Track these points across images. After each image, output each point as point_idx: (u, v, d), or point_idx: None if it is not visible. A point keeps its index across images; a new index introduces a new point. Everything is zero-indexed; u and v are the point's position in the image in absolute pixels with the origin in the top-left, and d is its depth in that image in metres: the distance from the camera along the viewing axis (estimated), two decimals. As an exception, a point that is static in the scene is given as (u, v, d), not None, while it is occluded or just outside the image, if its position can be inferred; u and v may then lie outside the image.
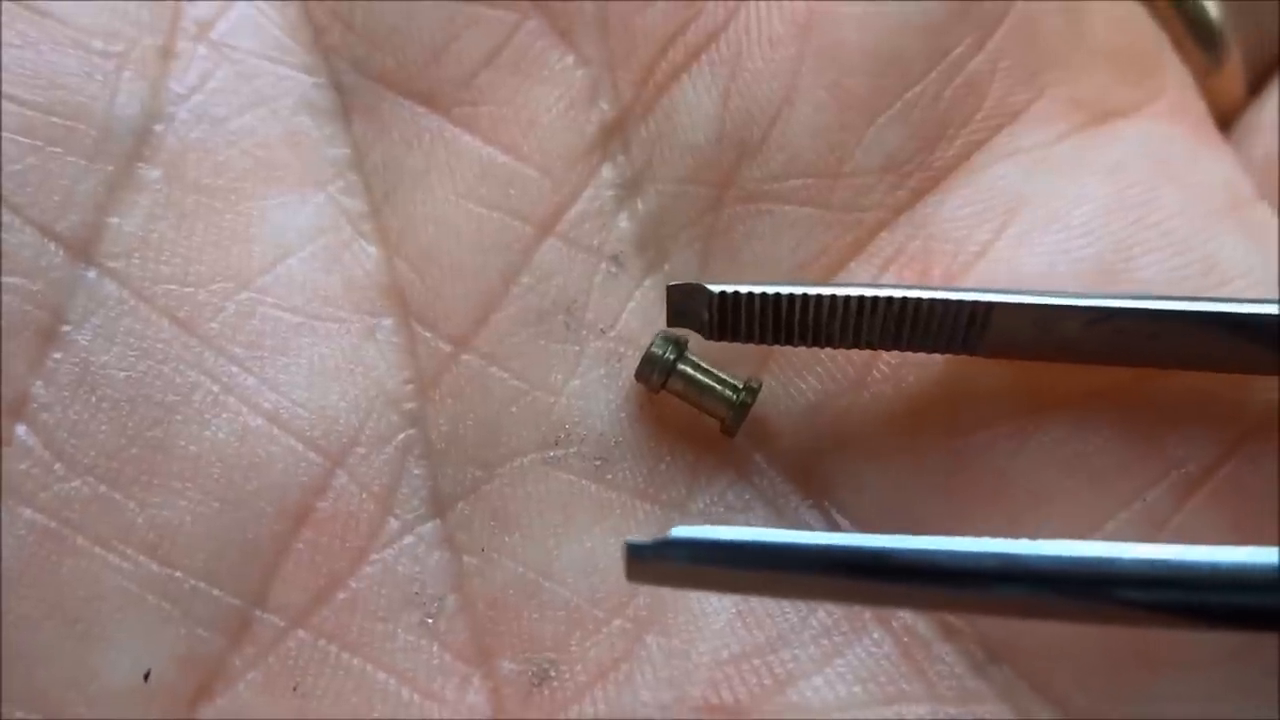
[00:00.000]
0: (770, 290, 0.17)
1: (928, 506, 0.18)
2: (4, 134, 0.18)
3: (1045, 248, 0.19)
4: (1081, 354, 0.17)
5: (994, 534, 0.17)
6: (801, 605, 0.18)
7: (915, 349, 0.18)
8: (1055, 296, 0.17)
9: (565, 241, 0.19)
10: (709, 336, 0.18)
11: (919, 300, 0.17)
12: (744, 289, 0.17)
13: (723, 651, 0.17)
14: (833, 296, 0.17)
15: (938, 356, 0.18)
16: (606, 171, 0.19)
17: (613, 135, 0.19)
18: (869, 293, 0.17)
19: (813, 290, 0.17)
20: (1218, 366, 0.17)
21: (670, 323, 0.18)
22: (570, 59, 0.19)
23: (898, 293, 0.17)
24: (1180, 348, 0.17)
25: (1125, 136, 0.19)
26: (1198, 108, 0.21)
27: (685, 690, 0.17)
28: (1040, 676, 0.17)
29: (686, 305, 0.18)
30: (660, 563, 0.15)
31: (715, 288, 0.17)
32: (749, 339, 0.18)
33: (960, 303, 0.17)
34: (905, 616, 0.18)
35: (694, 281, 0.17)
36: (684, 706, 0.17)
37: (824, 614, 0.18)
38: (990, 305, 0.17)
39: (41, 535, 0.17)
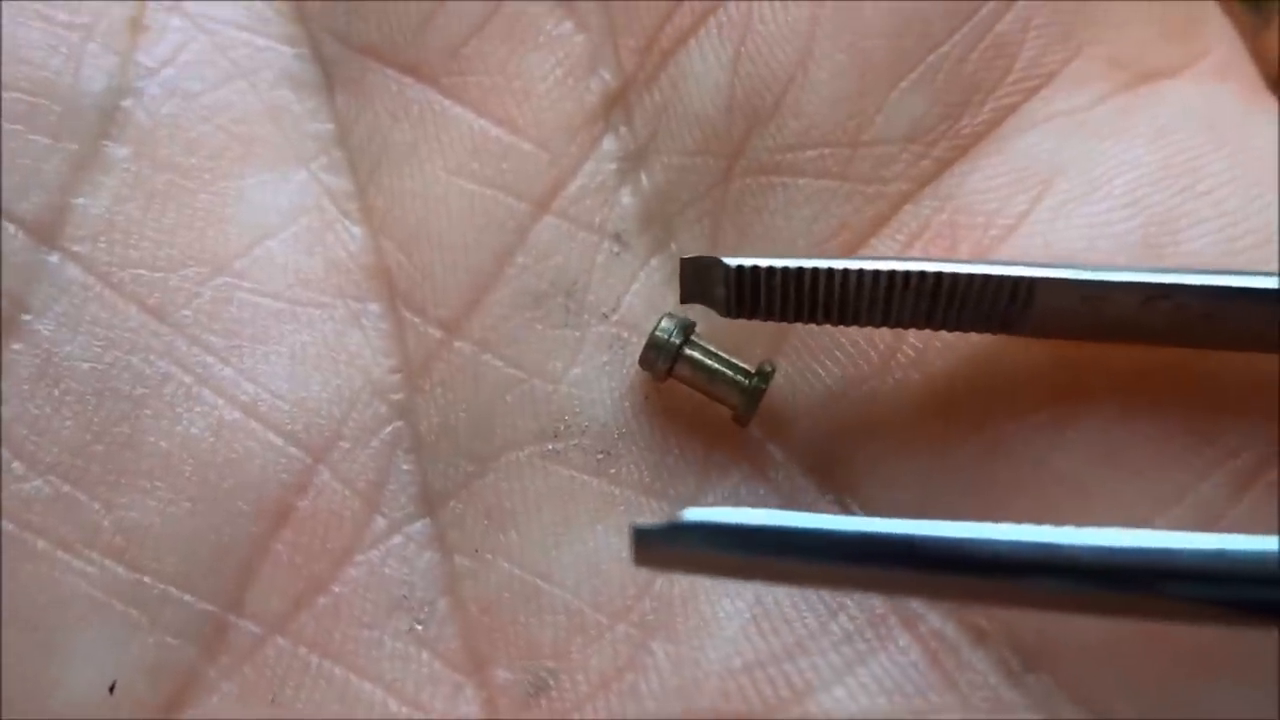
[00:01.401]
0: (792, 264, 0.16)
1: (957, 502, 0.17)
2: (-38, 111, 0.17)
3: (1084, 220, 0.17)
4: (1134, 334, 0.16)
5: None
6: (822, 609, 0.17)
7: (950, 328, 0.17)
8: (1106, 271, 0.16)
9: (564, 219, 0.18)
10: (725, 314, 0.17)
11: (955, 275, 0.16)
12: (763, 262, 0.16)
13: (735, 660, 0.16)
14: (860, 271, 0.16)
15: (968, 337, 0.17)
16: (608, 144, 0.19)
17: (614, 105, 0.19)
18: (900, 266, 0.16)
19: (838, 264, 0.16)
20: None
21: (683, 299, 0.17)
22: (568, 25, 0.19)
23: (931, 267, 0.16)
24: (1242, 328, 0.16)
25: (1169, 98, 0.18)
26: (1246, 68, 0.20)
27: (694, 701, 0.16)
28: (1081, 686, 0.16)
29: (701, 280, 0.17)
30: (670, 548, 0.14)
31: (732, 261, 0.16)
32: (768, 316, 0.17)
33: (1001, 278, 0.16)
34: (934, 622, 0.16)
35: (709, 255, 0.17)
36: (694, 719, 0.16)
37: (846, 619, 0.17)
38: (1034, 280, 0.16)
39: None
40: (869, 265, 0.16)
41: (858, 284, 0.16)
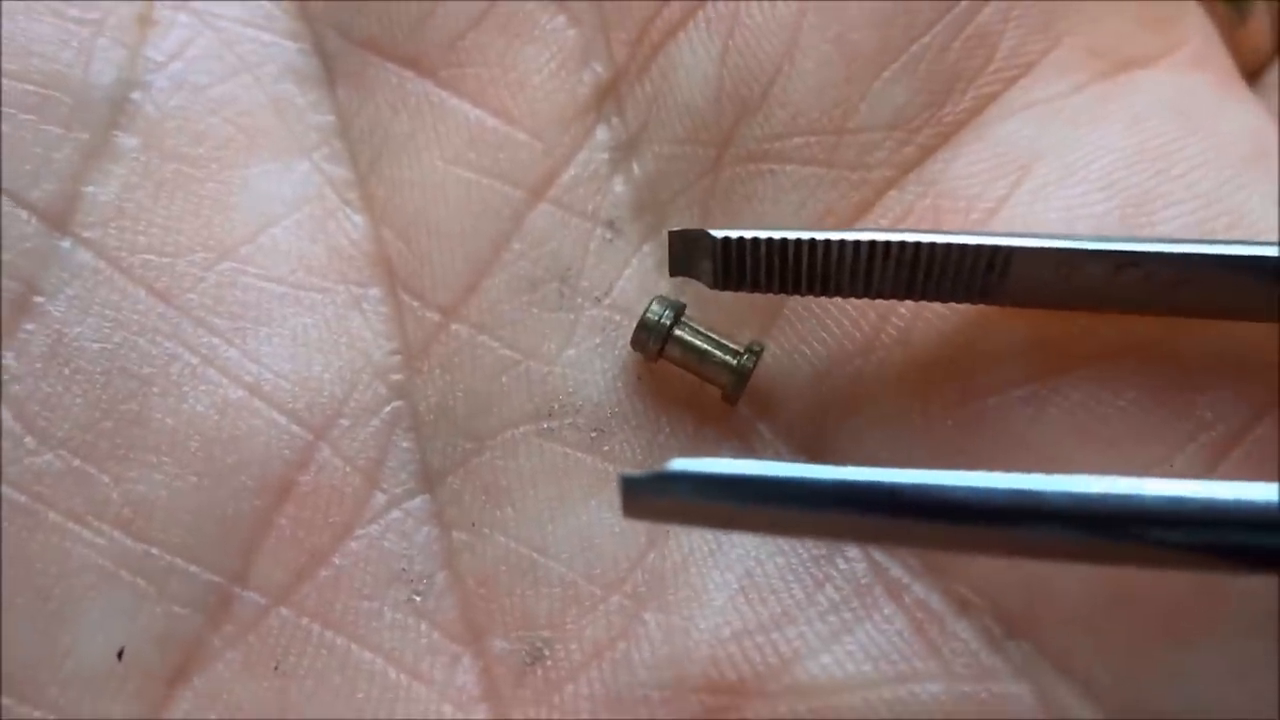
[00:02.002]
0: (777, 235, 0.16)
1: (941, 476, 0.17)
2: (-23, 102, 0.18)
3: (1063, 203, 0.18)
4: (1107, 302, 0.17)
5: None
6: (808, 579, 0.17)
7: (930, 298, 0.17)
8: (1080, 240, 0.16)
9: (558, 207, 0.19)
10: (712, 285, 0.17)
11: (934, 245, 0.16)
12: (749, 234, 0.17)
13: (724, 629, 0.17)
14: (842, 242, 0.16)
15: (949, 313, 0.17)
16: (600, 134, 0.19)
17: (606, 97, 0.19)
18: (881, 237, 0.16)
19: (821, 235, 0.16)
20: (1250, 315, 0.16)
21: (672, 271, 0.17)
22: (561, 19, 0.19)
23: (911, 238, 0.16)
24: (1211, 295, 0.16)
25: (1145, 86, 0.19)
26: (1222, 59, 0.20)
27: (685, 669, 0.17)
28: (1061, 652, 0.16)
29: (689, 253, 0.17)
30: (657, 497, 0.14)
31: (719, 234, 0.17)
32: (754, 288, 0.17)
33: (979, 247, 0.16)
34: (918, 592, 0.17)
35: (697, 228, 0.17)
36: (684, 686, 0.16)
37: (832, 590, 0.17)
38: (1011, 250, 0.16)
39: (11, 510, 0.17)
40: (851, 236, 0.16)
41: (839, 255, 0.16)
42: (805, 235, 0.16)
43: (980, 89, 0.18)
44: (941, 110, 0.18)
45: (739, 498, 0.14)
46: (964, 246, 0.16)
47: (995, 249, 0.16)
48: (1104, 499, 0.14)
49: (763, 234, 0.16)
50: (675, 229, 0.17)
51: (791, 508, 0.14)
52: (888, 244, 0.16)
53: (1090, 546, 0.14)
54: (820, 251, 0.16)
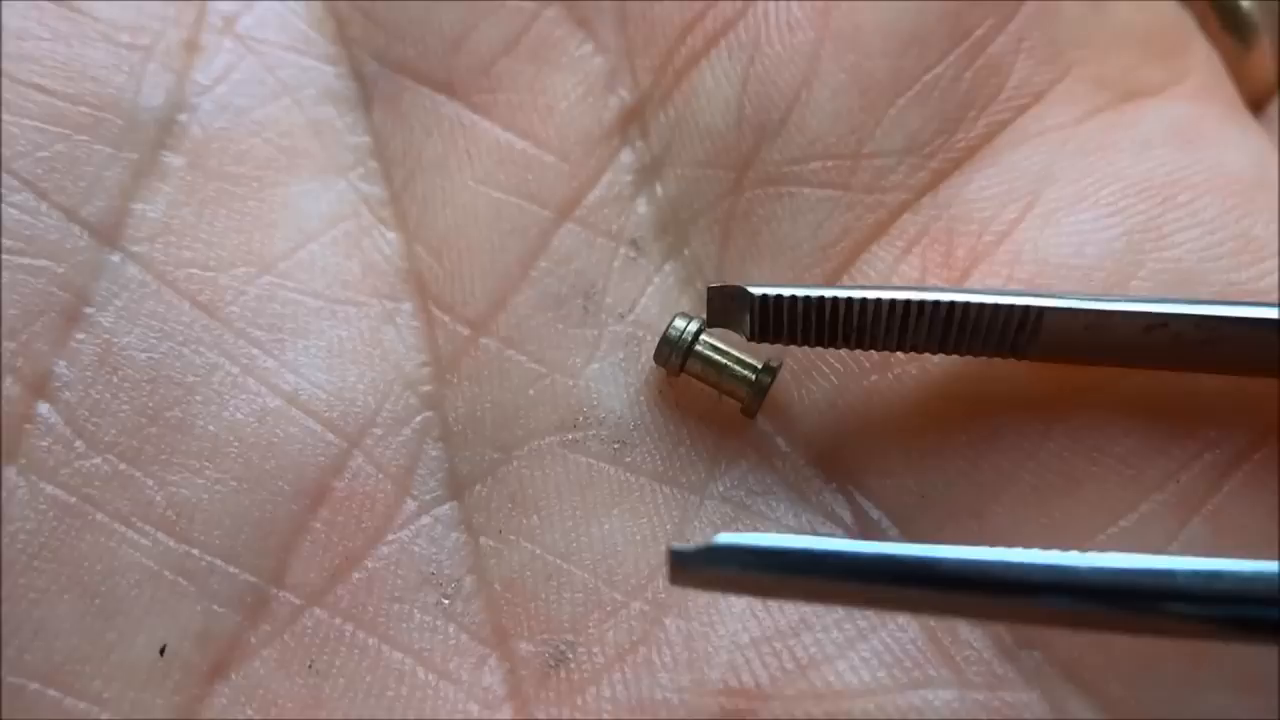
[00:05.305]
0: (814, 293, 0.17)
1: (954, 491, 0.18)
2: (34, 122, 0.18)
3: (1072, 228, 0.18)
4: (1135, 358, 0.17)
5: (1021, 519, 0.17)
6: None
7: (962, 353, 0.17)
8: (1110, 301, 0.17)
9: (584, 226, 0.19)
10: (749, 338, 0.17)
11: (967, 304, 0.17)
12: (786, 291, 0.17)
13: (743, 635, 0.17)
14: (878, 300, 0.17)
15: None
16: (625, 156, 0.19)
17: (631, 121, 0.19)
18: (915, 296, 0.17)
19: (857, 294, 0.17)
20: (1278, 373, 0.16)
21: (711, 323, 0.18)
22: (589, 47, 0.20)
23: (945, 296, 0.17)
24: (1239, 354, 0.16)
25: (1152, 115, 0.19)
26: (1226, 90, 0.21)
27: (705, 673, 0.17)
28: (1073, 663, 0.17)
29: (727, 307, 0.17)
30: (704, 569, 0.15)
31: (757, 290, 0.17)
32: (791, 341, 0.17)
33: (1010, 307, 0.16)
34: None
35: (736, 284, 0.17)
36: (703, 690, 0.17)
37: (847, 598, 0.17)
38: (1041, 310, 0.16)
39: (62, 511, 0.17)
40: (886, 295, 0.17)
41: (875, 313, 0.17)
42: (842, 293, 0.17)
43: (992, 117, 0.19)
44: (954, 137, 0.19)
45: (783, 570, 0.15)
46: (996, 306, 0.16)
47: (1026, 309, 0.16)
48: (1131, 574, 0.14)
49: (800, 291, 0.17)
50: (714, 285, 0.17)
51: (835, 580, 0.15)
52: (922, 303, 0.17)
53: (1119, 619, 0.15)
54: (856, 309, 0.17)
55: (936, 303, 0.17)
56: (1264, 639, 0.15)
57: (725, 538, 0.15)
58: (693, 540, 0.16)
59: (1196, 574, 0.14)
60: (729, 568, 0.15)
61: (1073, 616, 0.15)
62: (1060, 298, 0.17)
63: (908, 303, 0.17)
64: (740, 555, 0.15)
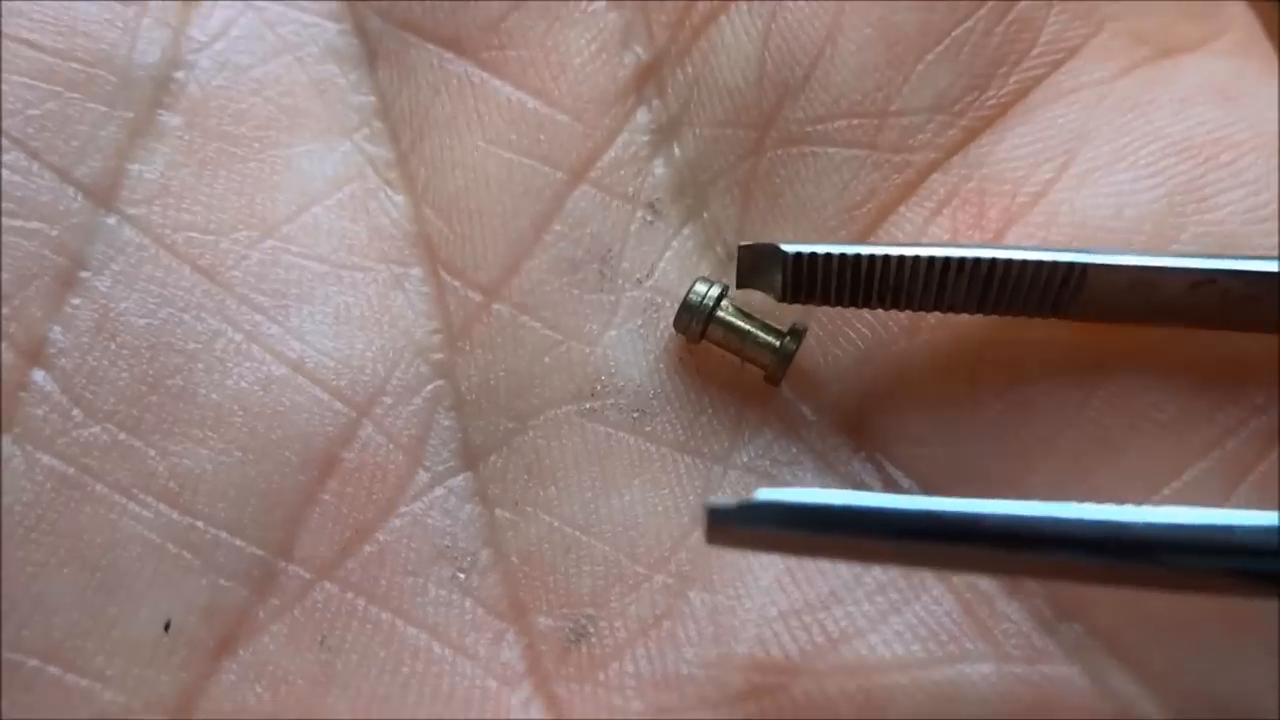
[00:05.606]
0: (849, 251, 0.16)
1: (988, 461, 0.17)
2: (24, 79, 0.18)
3: (1110, 189, 0.18)
4: (1180, 317, 0.16)
5: (1060, 490, 0.16)
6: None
7: (1002, 312, 0.17)
8: (1154, 257, 0.16)
9: (599, 188, 0.19)
10: (780, 299, 0.17)
11: (1008, 261, 0.16)
12: (820, 249, 0.16)
13: (771, 608, 0.17)
14: (915, 257, 0.16)
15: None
16: (641, 116, 0.19)
17: (647, 79, 0.19)
18: (954, 253, 0.16)
19: (894, 251, 0.16)
20: None
21: (740, 284, 0.17)
22: (602, 2, 0.19)
23: (985, 253, 0.16)
24: None
25: (1190, 71, 0.19)
26: (1263, 46, 0.20)
27: (731, 648, 0.16)
28: (1114, 636, 0.16)
29: (758, 267, 0.17)
30: (741, 526, 0.14)
31: (790, 248, 0.16)
32: (824, 301, 0.17)
33: (1054, 264, 0.16)
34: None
35: (767, 242, 0.17)
36: (731, 664, 0.16)
37: (879, 570, 0.17)
38: (1085, 266, 0.16)
39: (60, 482, 0.17)
40: (924, 252, 0.16)
41: (912, 270, 0.16)
42: (878, 251, 0.16)
43: (1024, 73, 0.18)
44: (985, 94, 0.18)
45: (822, 527, 0.14)
46: (1039, 263, 0.16)
47: (1070, 265, 0.16)
48: (1191, 529, 0.14)
49: (834, 249, 0.16)
50: (745, 244, 0.17)
51: (873, 537, 0.14)
52: (961, 260, 0.16)
53: (1173, 578, 0.14)
54: (892, 267, 0.16)
55: (977, 259, 0.16)
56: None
57: (765, 493, 0.14)
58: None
59: (1240, 528, 0.14)
60: (768, 525, 0.14)
61: (1125, 574, 0.14)
62: (1104, 253, 0.16)
63: (946, 260, 0.16)
64: (780, 512, 0.14)
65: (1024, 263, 0.16)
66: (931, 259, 0.16)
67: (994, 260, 0.16)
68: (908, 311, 0.18)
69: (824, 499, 0.14)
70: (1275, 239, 0.17)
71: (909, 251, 0.16)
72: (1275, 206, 0.17)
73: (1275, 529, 0.14)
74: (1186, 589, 0.15)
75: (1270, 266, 0.16)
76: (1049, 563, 0.14)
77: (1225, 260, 0.16)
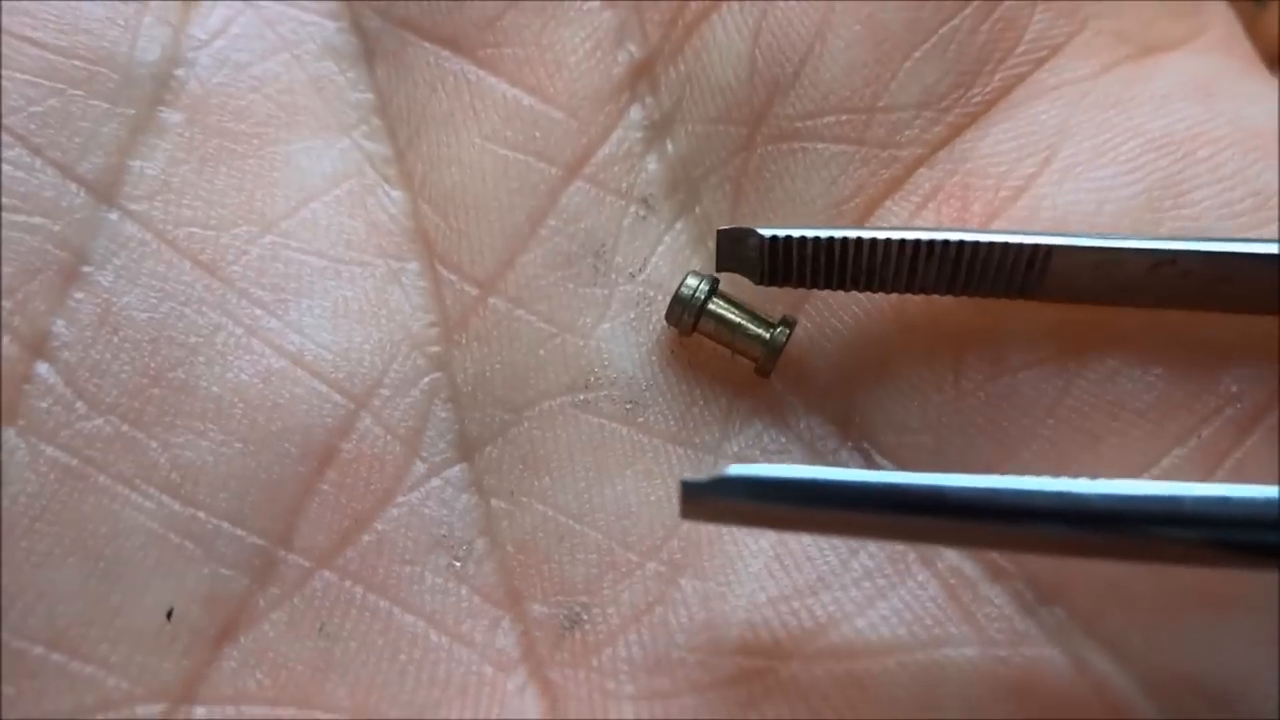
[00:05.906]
0: (823, 234, 0.17)
1: (972, 448, 0.17)
2: (27, 77, 0.18)
3: (1091, 184, 0.18)
4: (1144, 298, 0.17)
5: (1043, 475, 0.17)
6: (842, 548, 0.17)
7: (971, 293, 0.17)
8: (1117, 239, 0.17)
9: (593, 184, 0.19)
10: (758, 281, 0.17)
11: (976, 244, 0.17)
12: (795, 233, 0.17)
13: (760, 595, 0.17)
14: (887, 240, 0.17)
15: (980, 288, 0.18)
16: (635, 113, 0.19)
17: (641, 76, 0.19)
18: (924, 236, 0.17)
19: (866, 234, 0.17)
20: None
21: (719, 267, 0.18)
22: (596, 1, 0.19)
23: (954, 236, 0.17)
24: (1247, 292, 0.16)
25: (1171, 69, 0.19)
26: (1243, 45, 0.20)
27: (722, 633, 0.17)
28: (1093, 618, 0.16)
29: (736, 250, 0.17)
30: (715, 500, 0.15)
31: (766, 232, 0.17)
32: (800, 284, 0.17)
33: (1019, 246, 0.16)
34: (951, 559, 0.17)
35: (745, 226, 0.17)
36: (721, 649, 0.17)
37: (866, 557, 0.17)
38: (1050, 248, 0.16)
39: (63, 473, 0.17)
40: (895, 235, 0.17)
41: (884, 253, 0.17)
42: (851, 234, 0.17)
43: (1009, 70, 0.19)
44: (970, 90, 0.18)
45: (793, 501, 0.15)
46: (1005, 245, 0.17)
47: (1035, 247, 0.16)
48: (1136, 500, 0.14)
49: (809, 232, 0.17)
50: (723, 228, 0.17)
51: (844, 510, 0.15)
52: (931, 242, 0.17)
53: (1124, 545, 0.15)
54: (865, 249, 0.17)
55: (945, 242, 0.17)
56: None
57: (736, 468, 0.15)
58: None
59: (1202, 499, 0.14)
60: (740, 499, 0.15)
61: (1081, 544, 0.15)
62: (1068, 236, 0.17)
63: (917, 242, 0.17)
64: (751, 486, 0.15)
65: (991, 245, 0.17)
66: (903, 241, 0.17)
67: (962, 243, 0.17)
68: (891, 300, 0.18)
69: (792, 473, 0.15)
70: (1247, 234, 0.18)
71: (881, 234, 0.17)
72: (1249, 201, 0.18)
73: (1274, 500, 0.14)
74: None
75: (1228, 247, 0.16)
76: (1014, 535, 0.15)
77: (1185, 241, 0.16)
